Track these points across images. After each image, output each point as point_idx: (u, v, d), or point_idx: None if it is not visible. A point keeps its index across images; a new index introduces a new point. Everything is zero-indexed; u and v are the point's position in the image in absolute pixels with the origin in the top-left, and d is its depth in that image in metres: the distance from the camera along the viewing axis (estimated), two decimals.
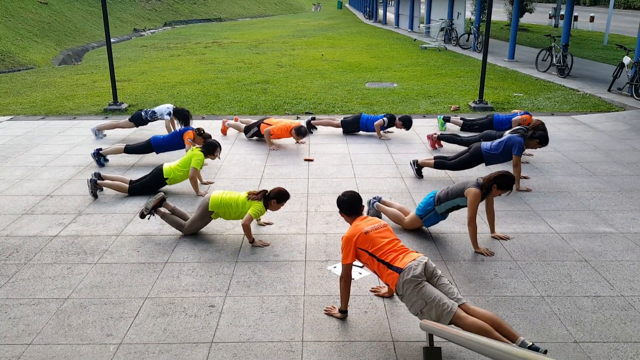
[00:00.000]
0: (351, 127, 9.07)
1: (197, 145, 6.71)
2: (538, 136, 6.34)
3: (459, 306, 3.50)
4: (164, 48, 23.22)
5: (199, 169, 6.36)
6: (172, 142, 7.47)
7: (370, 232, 3.85)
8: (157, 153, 7.60)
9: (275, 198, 5.11)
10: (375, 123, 8.81)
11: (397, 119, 8.82)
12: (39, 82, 14.69)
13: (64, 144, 8.62)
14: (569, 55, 14.27)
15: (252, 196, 5.15)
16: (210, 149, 6.42)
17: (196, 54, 20.49)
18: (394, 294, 4.04)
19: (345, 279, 3.90)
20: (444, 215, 5.27)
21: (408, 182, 6.82)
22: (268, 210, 5.21)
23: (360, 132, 9.14)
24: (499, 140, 6.59)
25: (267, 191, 5.18)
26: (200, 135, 7.22)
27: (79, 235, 5.39)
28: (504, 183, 4.86)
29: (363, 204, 4.18)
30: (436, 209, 5.18)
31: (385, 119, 8.81)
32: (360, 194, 4.17)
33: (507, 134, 7.59)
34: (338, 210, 4.19)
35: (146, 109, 8.77)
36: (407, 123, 8.74)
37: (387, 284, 4.05)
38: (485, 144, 6.66)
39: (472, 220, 4.91)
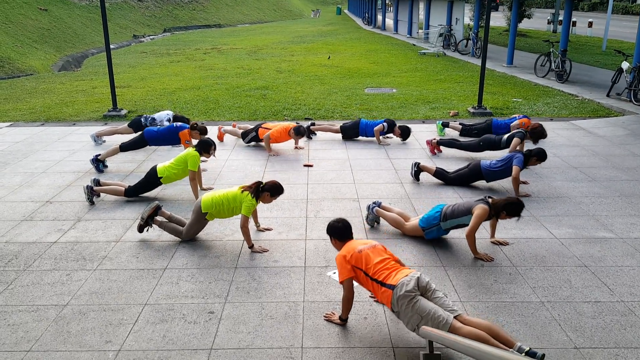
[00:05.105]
0: (350, 132, 9.07)
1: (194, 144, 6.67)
2: (535, 153, 6.40)
3: (454, 317, 3.52)
4: (163, 54, 23.26)
5: (196, 170, 6.31)
6: (167, 136, 7.47)
7: (363, 250, 3.87)
8: (150, 145, 7.63)
9: (269, 191, 5.10)
10: (375, 128, 8.82)
11: (396, 126, 8.84)
12: (39, 89, 14.71)
13: (63, 150, 8.62)
14: (567, 60, 14.31)
15: (246, 188, 5.13)
16: (205, 147, 6.36)
17: (195, 60, 20.53)
18: (391, 311, 4.03)
19: (347, 296, 3.89)
20: (446, 231, 5.28)
21: (407, 188, 6.82)
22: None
23: (360, 138, 9.16)
24: (498, 158, 6.62)
25: (261, 182, 5.17)
26: (195, 129, 7.19)
27: (78, 241, 5.39)
28: (513, 211, 4.84)
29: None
30: (441, 224, 5.17)
31: (384, 124, 8.83)
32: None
33: (505, 137, 7.63)
34: (329, 237, 4.17)
35: (146, 115, 8.79)
36: (405, 134, 8.79)
37: (382, 303, 4.02)
38: (485, 162, 6.69)
39: (471, 233, 4.89)
